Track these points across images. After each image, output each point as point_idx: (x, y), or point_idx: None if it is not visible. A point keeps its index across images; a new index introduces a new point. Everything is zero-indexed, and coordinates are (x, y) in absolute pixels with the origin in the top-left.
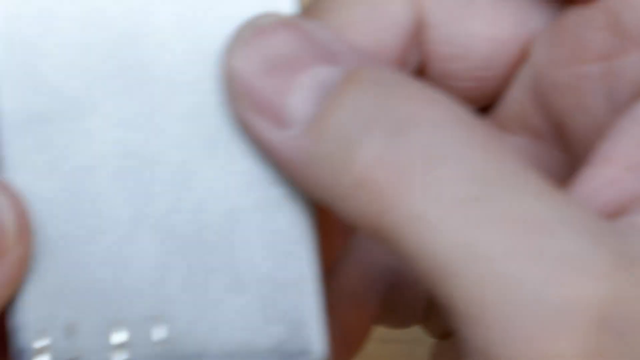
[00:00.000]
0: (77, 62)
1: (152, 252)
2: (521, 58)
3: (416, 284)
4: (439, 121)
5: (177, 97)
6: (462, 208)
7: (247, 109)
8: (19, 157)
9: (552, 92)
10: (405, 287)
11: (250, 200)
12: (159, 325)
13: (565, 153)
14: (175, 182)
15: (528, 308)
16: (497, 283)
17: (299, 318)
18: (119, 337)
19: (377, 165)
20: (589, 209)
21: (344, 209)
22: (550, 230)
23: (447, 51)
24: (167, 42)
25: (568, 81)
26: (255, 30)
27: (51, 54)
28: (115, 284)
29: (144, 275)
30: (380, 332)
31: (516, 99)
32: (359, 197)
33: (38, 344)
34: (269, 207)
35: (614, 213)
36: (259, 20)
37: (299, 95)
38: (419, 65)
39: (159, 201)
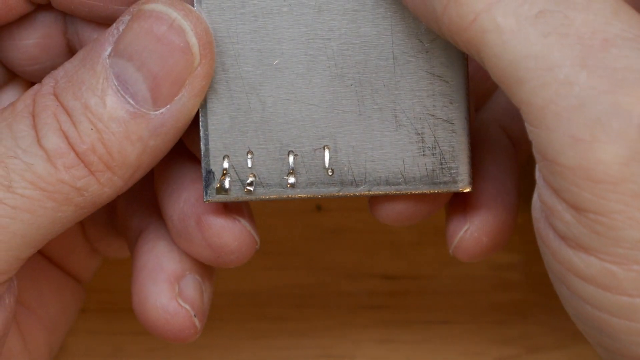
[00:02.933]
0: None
1: (324, 89)
2: None
3: None
4: None
5: None
6: (537, 20)
7: None
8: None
9: None
10: None
11: (408, 47)
12: (325, 154)
13: None
14: (345, 27)
15: (581, 111)
16: (558, 88)
17: (450, 152)
18: (291, 162)
19: None
20: None
21: (443, 28)
22: (615, 46)
23: None
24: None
25: None
26: None
27: None
28: (289, 117)
29: (314, 110)
30: (380, 332)
31: None
32: (451, 13)
33: (224, 165)
34: (426, 54)
35: None
36: None
37: None
38: None
39: (332, 44)
